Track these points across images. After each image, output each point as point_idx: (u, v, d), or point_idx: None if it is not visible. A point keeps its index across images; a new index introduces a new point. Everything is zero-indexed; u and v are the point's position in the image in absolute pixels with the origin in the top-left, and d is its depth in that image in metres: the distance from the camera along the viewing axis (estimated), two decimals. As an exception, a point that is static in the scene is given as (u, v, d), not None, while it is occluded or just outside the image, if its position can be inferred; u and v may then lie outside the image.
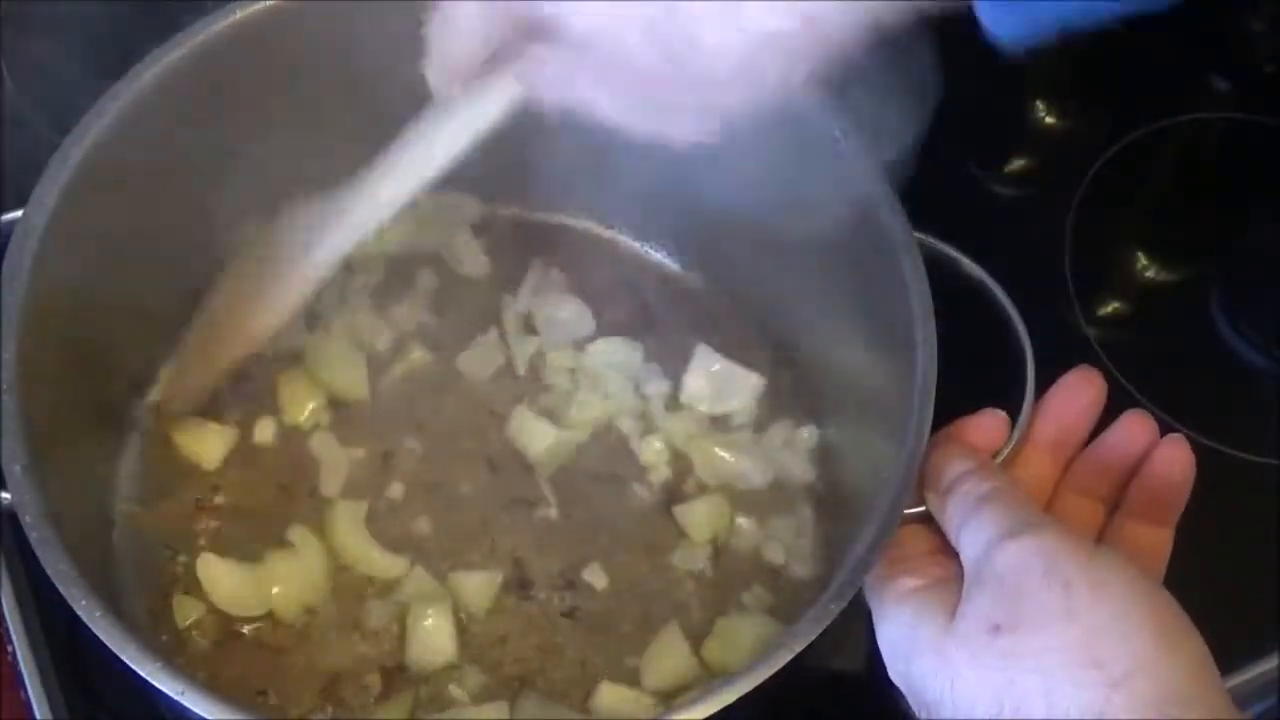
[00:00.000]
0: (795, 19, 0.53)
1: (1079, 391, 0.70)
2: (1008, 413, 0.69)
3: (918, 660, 0.59)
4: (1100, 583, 0.55)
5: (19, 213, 0.69)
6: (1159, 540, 0.68)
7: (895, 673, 0.61)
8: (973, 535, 0.60)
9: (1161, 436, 0.69)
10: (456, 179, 0.87)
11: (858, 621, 0.74)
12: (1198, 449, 0.68)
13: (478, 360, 0.84)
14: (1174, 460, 0.68)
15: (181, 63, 0.73)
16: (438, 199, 0.88)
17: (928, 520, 0.66)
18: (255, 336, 0.76)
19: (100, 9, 0.85)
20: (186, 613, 0.74)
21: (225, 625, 0.74)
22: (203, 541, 0.77)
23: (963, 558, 0.60)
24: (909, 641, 0.60)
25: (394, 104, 0.82)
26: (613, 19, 0.55)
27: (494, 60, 0.61)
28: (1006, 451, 0.68)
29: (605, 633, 0.75)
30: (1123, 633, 0.53)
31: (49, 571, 0.60)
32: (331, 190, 0.73)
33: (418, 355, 0.84)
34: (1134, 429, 0.69)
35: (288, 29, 0.76)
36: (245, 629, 0.74)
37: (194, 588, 0.75)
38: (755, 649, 0.73)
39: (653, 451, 0.80)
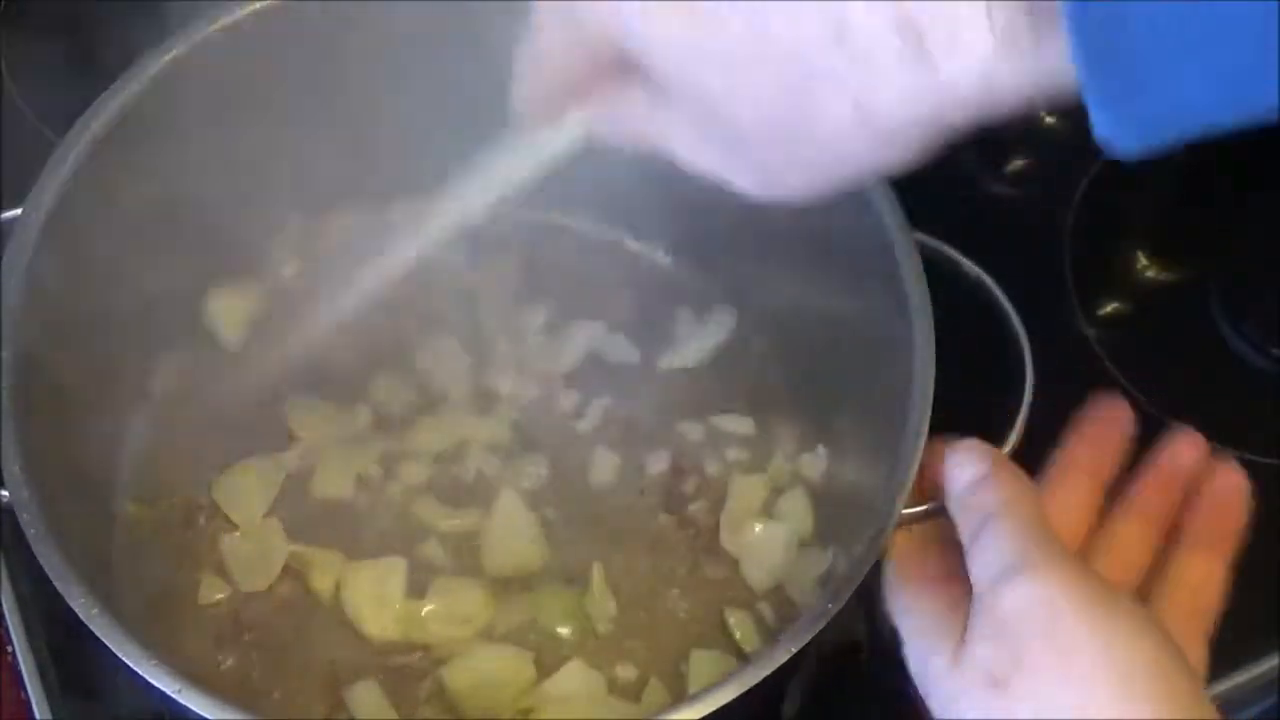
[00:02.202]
0: (934, 96, 0.44)
1: (1114, 422, 0.68)
2: (1007, 412, 0.69)
3: (932, 689, 0.58)
4: (1105, 645, 0.53)
5: (17, 211, 0.69)
6: (1213, 573, 0.65)
7: (920, 690, 0.60)
8: (980, 556, 0.58)
9: (1184, 447, 0.68)
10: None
11: (857, 622, 0.74)
12: (1198, 448, 0.68)
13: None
14: (1230, 487, 0.66)
15: (180, 62, 0.73)
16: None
17: (927, 519, 0.65)
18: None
19: (100, 9, 0.85)
20: (186, 611, 0.74)
21: (225, 623, 0.75)
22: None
23: (971, 577, 0.58)
24: (924, 671, 0.59)
25: (394, 105, 0.83)
26: (712, 72, 0.47)
27: (578, 93, 0.56)
28: (1007, 450, 0.68)
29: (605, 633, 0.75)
30: (1123, 701, 0.52)
31: (46, 569, 0.60)
32: (372, 201, 0.74)
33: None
34: (1184, 449, 0.67)
35: (288, 28, 0.76)
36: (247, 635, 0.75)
37: (193, 587, 0.75)
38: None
39: (651, 450, 0.81)
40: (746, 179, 0.51)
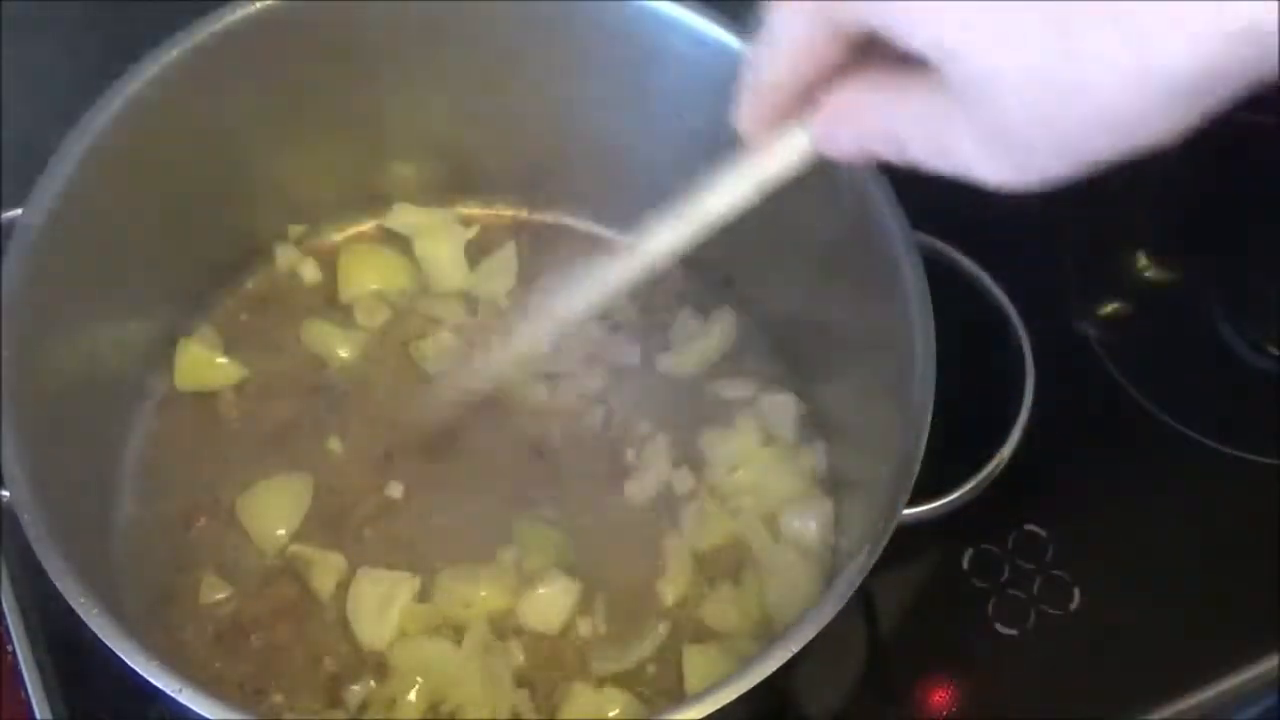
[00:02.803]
0: (1224, 44, 0.40)
1: None
2: (1007, 413, 0.69)
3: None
4: None
5: (17, 211, 0.69)
6: None
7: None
8: None
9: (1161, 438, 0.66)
10: (457, 180, 0.88)
11: (857, 623, 0.74)
12: (1199, 449, 0.68)
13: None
14: None
15: (180, 62, 0.73)
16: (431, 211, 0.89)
17: (927, 523, 0.65)
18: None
19: (100, 9, 0.85)
20: (186, 611, 0.74)
21: (225, 623, 0.75)
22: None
23: None
24: None
25: (397, 106, 0.83)
26: (985, 42, 0.42)
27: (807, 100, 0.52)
28: (1008, 451, 0.68)
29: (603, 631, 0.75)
30: None
31: (46, 568, 0.60)
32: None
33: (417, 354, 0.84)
34: None
35: (286, 28, 0.76)
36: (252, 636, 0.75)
37: (193, 587, 0.75)
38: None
39: (651, 450, 0.81)
40: (999, 166, 0.46)
